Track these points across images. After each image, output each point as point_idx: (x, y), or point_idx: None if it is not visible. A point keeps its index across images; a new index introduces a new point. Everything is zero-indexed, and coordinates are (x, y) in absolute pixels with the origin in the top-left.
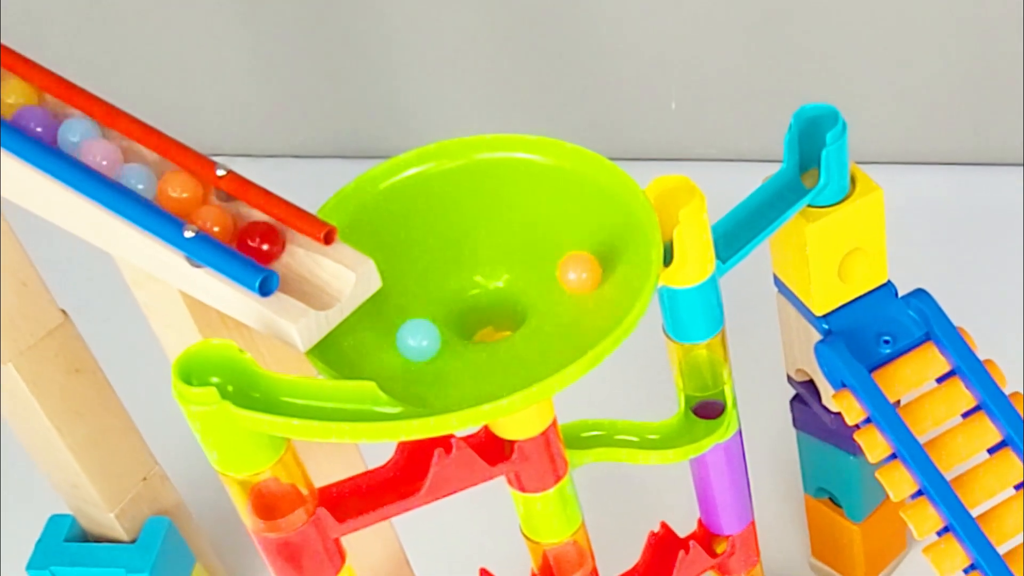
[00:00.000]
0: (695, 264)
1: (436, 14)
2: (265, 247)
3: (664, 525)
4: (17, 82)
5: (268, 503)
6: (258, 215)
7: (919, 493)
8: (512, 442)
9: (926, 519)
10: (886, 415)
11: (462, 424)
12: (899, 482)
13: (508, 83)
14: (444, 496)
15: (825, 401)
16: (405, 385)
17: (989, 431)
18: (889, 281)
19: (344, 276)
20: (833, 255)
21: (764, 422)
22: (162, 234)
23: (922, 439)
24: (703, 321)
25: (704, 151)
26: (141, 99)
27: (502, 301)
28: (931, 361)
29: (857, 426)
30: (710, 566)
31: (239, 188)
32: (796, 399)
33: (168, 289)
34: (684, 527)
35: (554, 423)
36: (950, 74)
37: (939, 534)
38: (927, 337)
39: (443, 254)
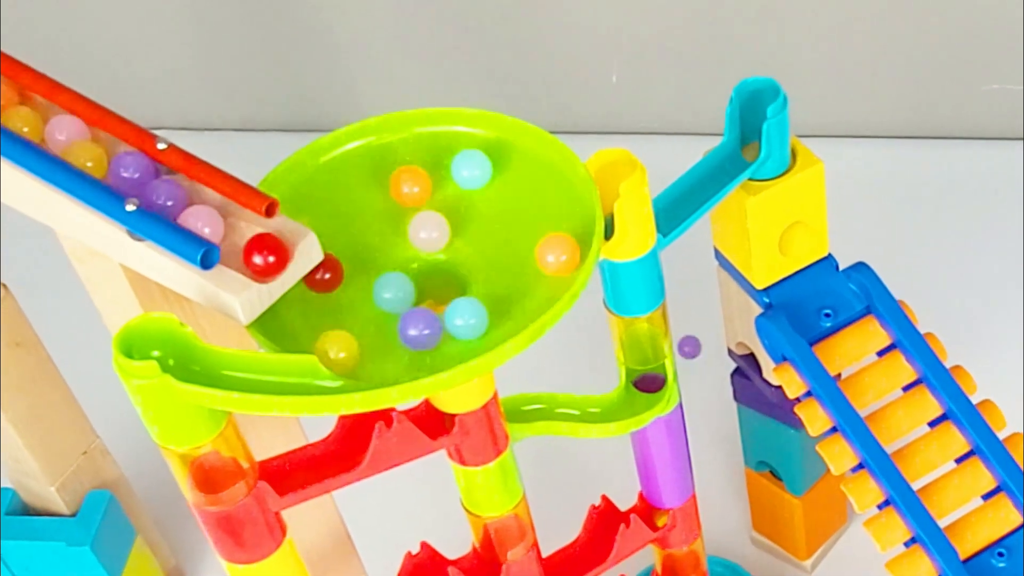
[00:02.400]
0: (636, 237)
1: None
2: (272, 259)
3: (605, 499)
4: None
5: (209, 477)
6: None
7: (860, 466)
8: (453, 416)
9: (867, 492)
10: (827, 388)
11: (403, 397)
12: (840, 455)
13: (449, 57)
14: (385, 469)
15: (766, 374)
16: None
17: (930, 404)
18: (830, 254)
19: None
20: (774, 228)
21: (705, 396)
22: (103, 208)
23: (863, 412)
24: (644, 294)
25: (645, 124)
26: (81, 72)
27: (442, 273)
28: (872, 334)
29: (798, 399)
30: (651, 539)
31: (180, 161)
32: (737, 372)
33: (109, 263)
34: (625, 501)
35: (495, 397)
36: (890, 48)
37: (880, 507)
38: (868, 310)
39: (384, 227)
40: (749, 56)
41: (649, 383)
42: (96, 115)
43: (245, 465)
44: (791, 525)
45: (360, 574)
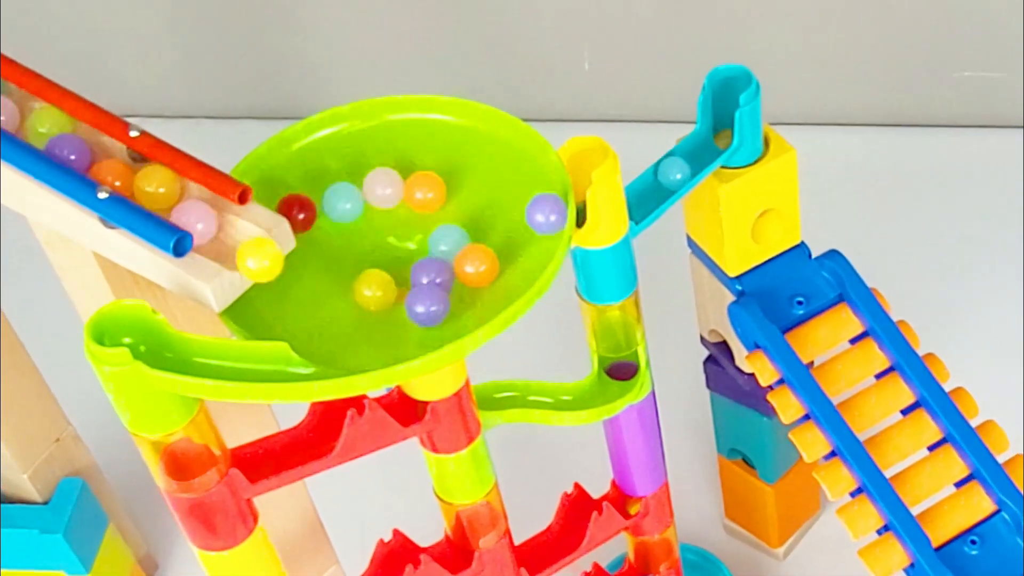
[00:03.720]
0: (608, 225)
1: None
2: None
3: (577, 486)
4: None
5: (181, 464)
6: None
7: (832, 454)
8: (425, 403)
9: (839, 480)
10: (799, 376)
11: (375, 385)
12: (812, 443)
13: (421, 44)
14: (357, 457)
15: (738, 362)
16: (318, 345)
17: (902, 392)
18: (802, 242)
19: (258, 236)
20: (746, 216)
21: (677, 383)
22: (75, 195)
23: (835, 400)
24: (616, 282)
25: (618, 112)
26: (54, 60)
27: (415, 262)
28: (844, 322)
29: (770, 387)
30: (623, 527)
31: (153, 149)
32: (709, 360)
33: (81, 250)
34: (597, 488)
35: (467, 384)
36: (863, 35)
37: (852, 495)
38: (840, 298)
39: (361, 216)
40: (721, 43)
41: (621, 371)
42: (68, 102)
43: (217, 452)
44: (764, 513)
45: (332, 561)
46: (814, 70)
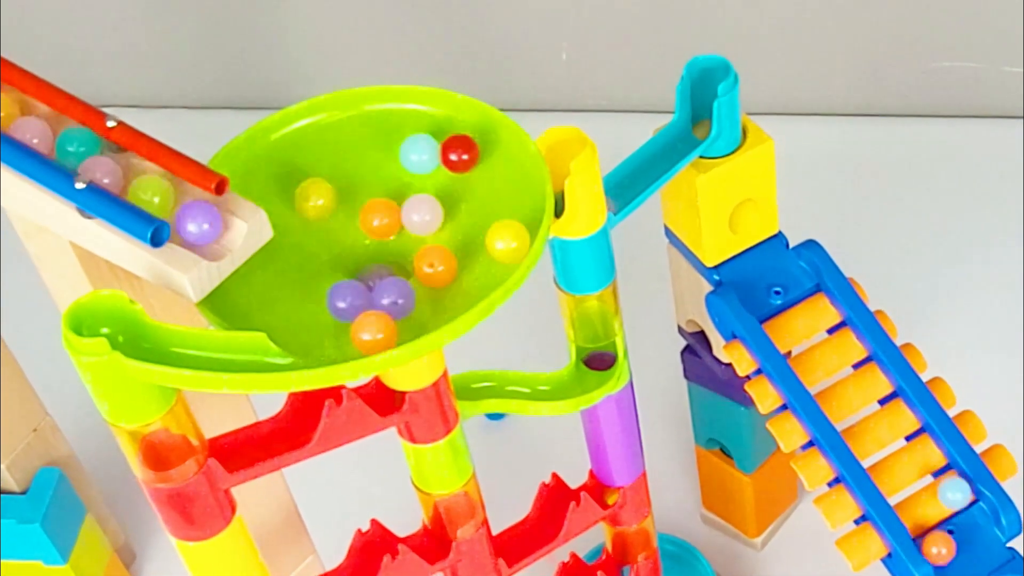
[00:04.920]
0: (586, 215)
1: None
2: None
3: (555, 476)
4: None
5: (158, 454)
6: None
7: (810, 444)
8: (403, 393)
9: (817, 470)
10: (777, 366)
11: (353, 375)
12: (790, 433)
13: (399, 34)
14: (335, 447)
15: (716, 352)
16: (296, 335)
17: (880, 382)
18: (780, 232)
19: (236, 226)
20: (724, 206)
21: (655, 373)
22: (53, 185)
23: (813, 390)
24: (594, 272)
25: (595, 102)
26: (29, 50)
27: (394, 252)
28: (822, 312)
29: (748, 377)
30: (601, 517)
31: (129, 139)
32: (687, 350)
33: (59, 240)
34: (575, 478)
35: (445, 374)
36: (841, 25)
37: (830, 485)
38: (818, 288)
39: (335, 205)
40: (700, 34)
41: (599, 361)
42: (44, 92)
43: (195, 442)
44: (741, 503)
45: (310, 552)
46: (792, 61)
